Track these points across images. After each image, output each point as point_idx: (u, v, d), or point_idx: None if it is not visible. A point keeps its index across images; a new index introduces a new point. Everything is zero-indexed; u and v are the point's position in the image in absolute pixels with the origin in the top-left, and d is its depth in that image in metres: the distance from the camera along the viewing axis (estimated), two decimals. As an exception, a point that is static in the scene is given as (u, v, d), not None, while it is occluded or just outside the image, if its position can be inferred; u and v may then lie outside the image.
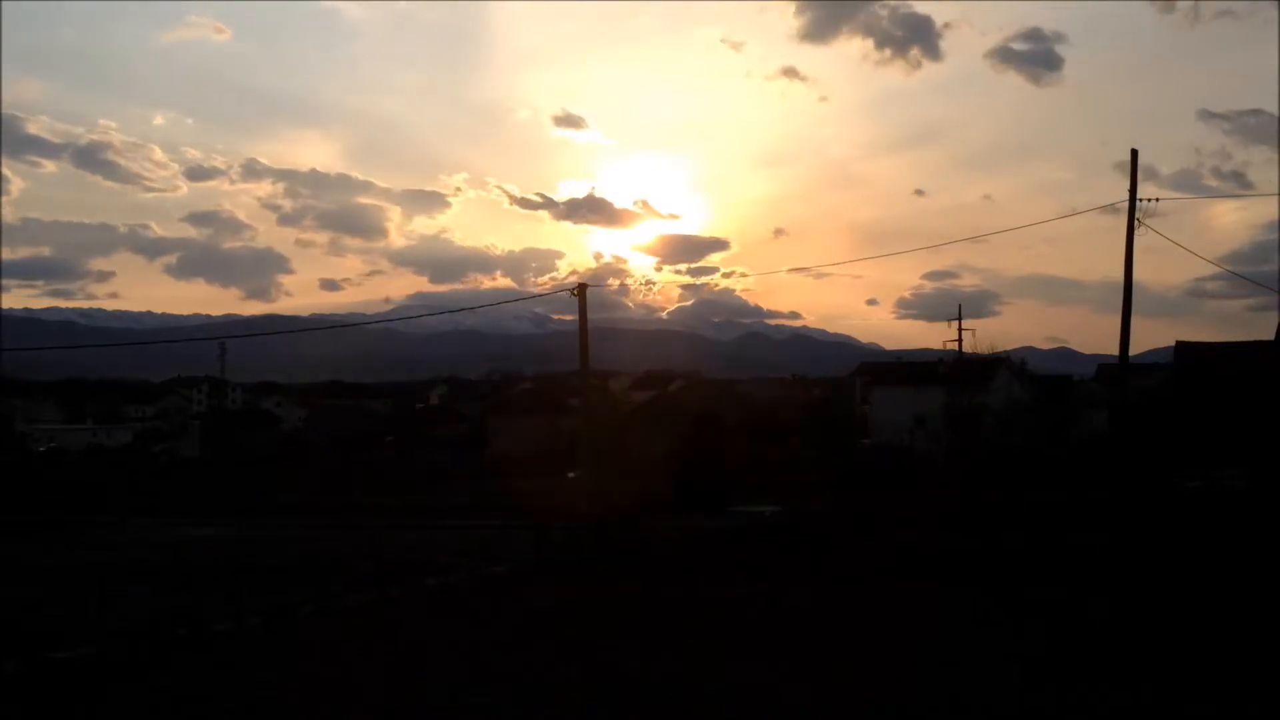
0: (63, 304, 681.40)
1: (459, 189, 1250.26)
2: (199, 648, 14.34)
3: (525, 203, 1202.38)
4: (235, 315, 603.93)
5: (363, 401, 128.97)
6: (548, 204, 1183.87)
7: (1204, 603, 14.67)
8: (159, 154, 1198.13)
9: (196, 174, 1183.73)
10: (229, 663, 13.19)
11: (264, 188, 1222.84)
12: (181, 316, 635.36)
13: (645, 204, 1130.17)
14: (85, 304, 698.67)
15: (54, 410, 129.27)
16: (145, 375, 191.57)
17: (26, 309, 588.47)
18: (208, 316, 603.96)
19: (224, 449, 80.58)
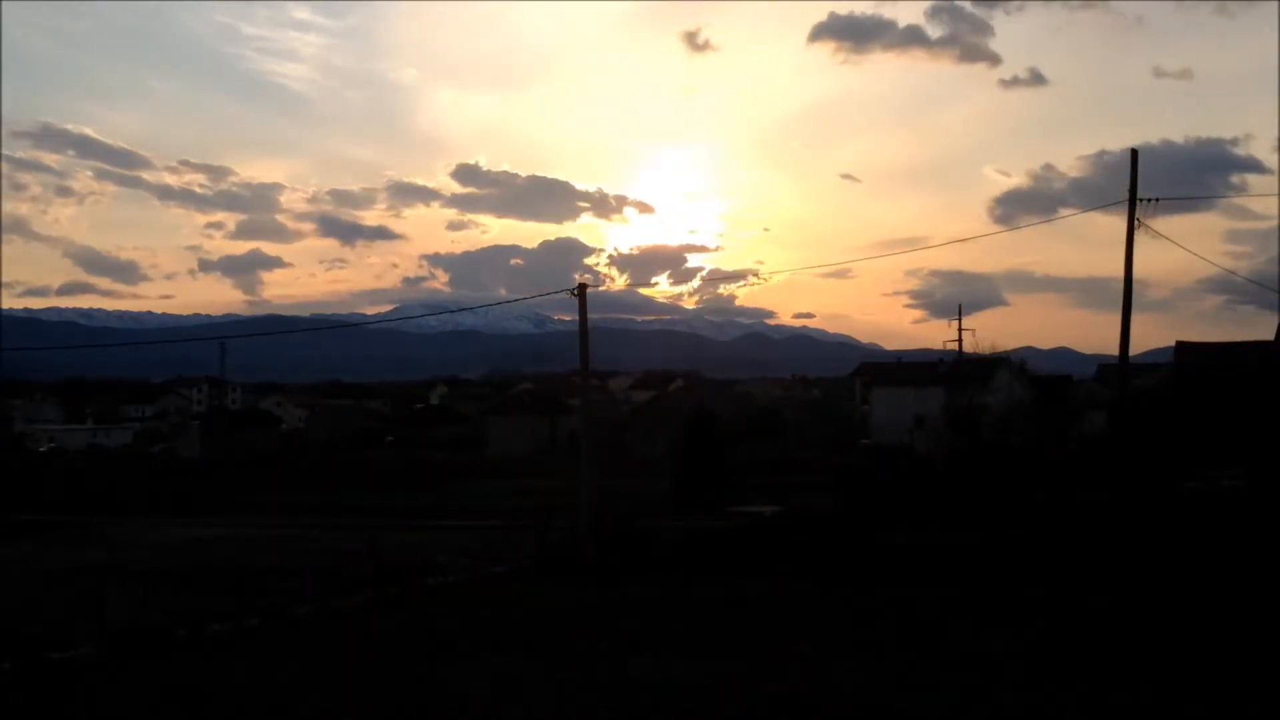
0: (63, 304, 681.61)
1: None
2: (197, 648, 14.34)
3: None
4: (235, 315, 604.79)
5: (363, 401, 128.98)
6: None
7: (1192, 601, 14.66)
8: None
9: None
10: (227, 663, 13.17)
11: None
12: (181, 316, 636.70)
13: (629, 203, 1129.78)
14: (85, 304, 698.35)
15: (54, 410, 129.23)
16: (145, 375, 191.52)
17: (26, 309, 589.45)
18: (208, 316, 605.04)
19: (224, 449, 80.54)
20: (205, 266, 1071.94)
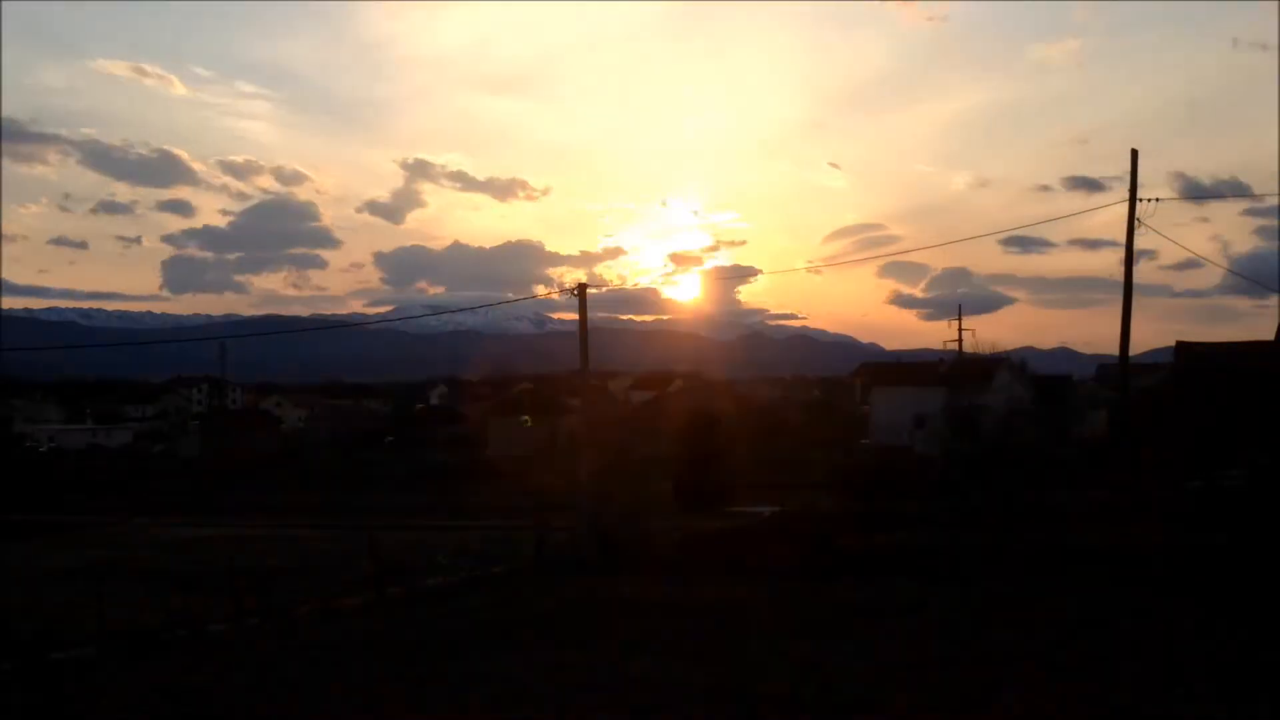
0: (63, 304, 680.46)
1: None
2: (197, 648, 14.33)
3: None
4: (235, 315, 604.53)
5: (363, 401, 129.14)
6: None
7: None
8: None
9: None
10: (227, 663, 13.17)
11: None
12: (181, 316, 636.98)
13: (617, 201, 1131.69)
14: (85, 304, 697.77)
15: (54, 410, 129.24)
16: (145, 375, 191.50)
17: (26, 309, 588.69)
18: (208, 316, 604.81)
19: (224, 449, 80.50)
20: (201, 268, 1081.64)
